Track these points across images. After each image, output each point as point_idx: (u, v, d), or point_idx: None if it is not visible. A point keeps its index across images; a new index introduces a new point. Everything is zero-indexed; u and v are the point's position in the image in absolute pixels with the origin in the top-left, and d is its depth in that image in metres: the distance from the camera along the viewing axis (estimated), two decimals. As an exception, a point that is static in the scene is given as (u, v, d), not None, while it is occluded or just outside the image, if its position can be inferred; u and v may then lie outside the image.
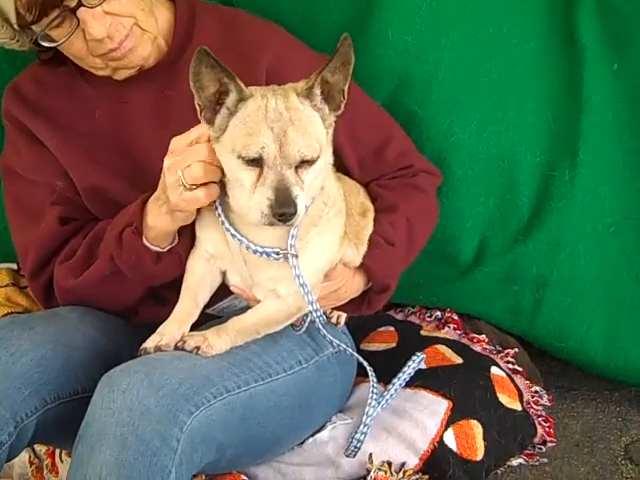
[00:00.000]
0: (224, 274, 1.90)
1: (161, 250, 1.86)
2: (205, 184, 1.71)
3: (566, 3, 2.26)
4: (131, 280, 1.92)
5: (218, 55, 1.64)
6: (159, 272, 1.89)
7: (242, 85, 1.65)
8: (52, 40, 1.86)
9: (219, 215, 1.77)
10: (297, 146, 1.63)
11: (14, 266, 2.66)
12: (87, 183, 1.99)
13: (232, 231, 1.76)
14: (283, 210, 1.61)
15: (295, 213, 1.62)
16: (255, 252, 1.76)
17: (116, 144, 2.00)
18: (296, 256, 1.76)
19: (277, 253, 1.76)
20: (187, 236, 1.88)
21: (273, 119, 1.63)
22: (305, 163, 1.65)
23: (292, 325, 1.92)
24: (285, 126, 1.63)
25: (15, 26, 1.86)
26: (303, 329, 1.93)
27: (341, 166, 1.98)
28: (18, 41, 1.93)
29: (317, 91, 1.70)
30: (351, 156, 2.04)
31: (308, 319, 1.91)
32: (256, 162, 1.63)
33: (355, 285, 1.97)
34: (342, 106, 1.72)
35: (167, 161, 1.73)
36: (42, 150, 2.01)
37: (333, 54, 1.65)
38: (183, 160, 1.70)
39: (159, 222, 1.81)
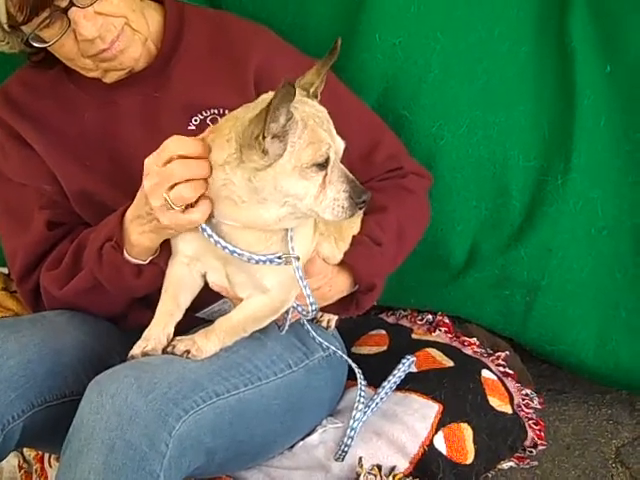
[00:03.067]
0: (205, 277, 1.86)
1: (142, 263, 1.84)
2: (196, 202, 1.68)
3: (558, 6, 2.25)
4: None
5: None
6: (140, 285, 1.87)
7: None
8: (43, 41, 1.86)
9: (210, 236, 1.71)
10: (340, 139, 1.69)
11: (5, 270, 2.64)
12: (75, 187, 1.98)
13: (230, 248, 1.72)
14: (364, 197, 1.66)
15: (370, 196, 1.68)
16: (257, 262, 1.74)
17: (105, 148, 1.99)
18: (298, 258, 1.76)
19: (279, 258, 1.75)
20: (166, 246, 1.83)
21: (319, 122, 1.65)
22: None
23: (277, 325, 1.92)
24: (329, 125, 1.68)
25: (5, 27, 1.86)
26: (286, 327, 1.92)
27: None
28: (8, 43, 1.93)
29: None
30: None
31: (289, 316, 1.90)
32: (322, 166, 1.64)
33: (340, 284, 1.95)
34: None
35: (147, 183, 1.68)
36: (31, 154, 2.00)
37: (328, 57, 1.68)
38: (165, 181, 1.65)
39: (143, 239, 1.78)
